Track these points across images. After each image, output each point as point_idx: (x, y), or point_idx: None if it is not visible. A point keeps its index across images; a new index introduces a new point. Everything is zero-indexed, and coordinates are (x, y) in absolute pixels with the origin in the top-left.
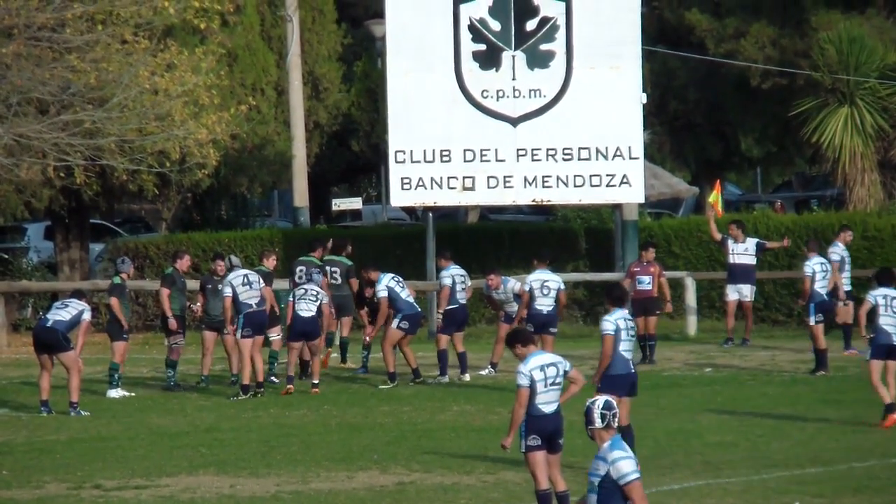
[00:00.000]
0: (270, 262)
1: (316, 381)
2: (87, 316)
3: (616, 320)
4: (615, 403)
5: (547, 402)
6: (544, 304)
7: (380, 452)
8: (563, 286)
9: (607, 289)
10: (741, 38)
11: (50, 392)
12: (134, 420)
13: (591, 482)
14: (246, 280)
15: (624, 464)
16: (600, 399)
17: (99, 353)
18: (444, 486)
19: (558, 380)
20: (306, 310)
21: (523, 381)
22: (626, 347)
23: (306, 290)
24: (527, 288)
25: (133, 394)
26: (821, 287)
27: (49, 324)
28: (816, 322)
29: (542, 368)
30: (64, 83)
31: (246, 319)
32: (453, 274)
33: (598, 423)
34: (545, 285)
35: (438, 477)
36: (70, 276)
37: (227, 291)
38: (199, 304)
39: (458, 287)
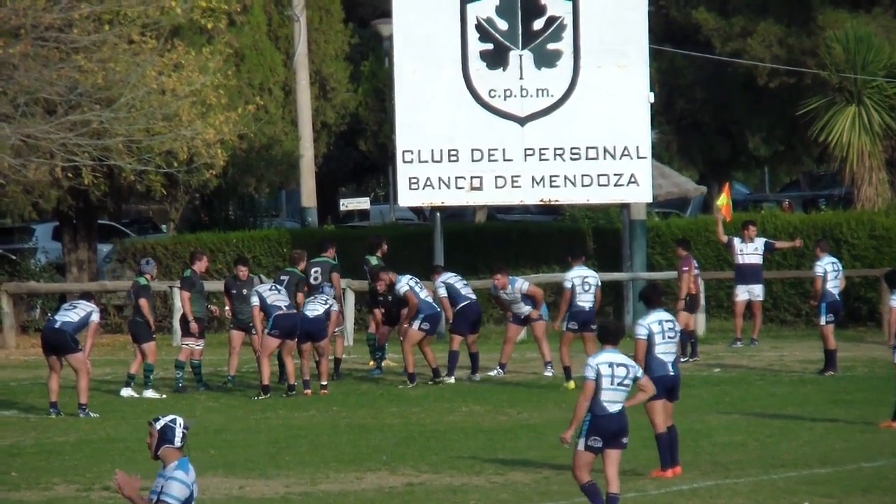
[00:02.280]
0: (302, 266)
1: (324, 383)
2: (95, 317)
3: (649, 324)
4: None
5: (612, 402)
6: (586, 301)
7: (389, 453)
8: (600, 283)
9: (641, 290)
10: (748, 36)
11: (59, 393)
12: (143, 421)
13: (151, 498)
14: (273, 287)
15: (175, 485)
16: (181, 418)
17: (107, 354)
18: (453, 487)
19: (626, 381)
20: (312, 310)
21: (589, 374)
22: (663, 350)
23: (315, 296)
24: (568, 285)
25: (165, 396)
26: (832, 287)
27: (57, 325)
28: (827, 322)
29: (610, 365)
30: (71, 83)
31: (275, 321)
32: (446, 281)
33: (177, 443)
34: (586, 281)
35: (447, 478)
36: (78, 277)
37: (255, 301)
38: (227, 308)
39: (460, 285)
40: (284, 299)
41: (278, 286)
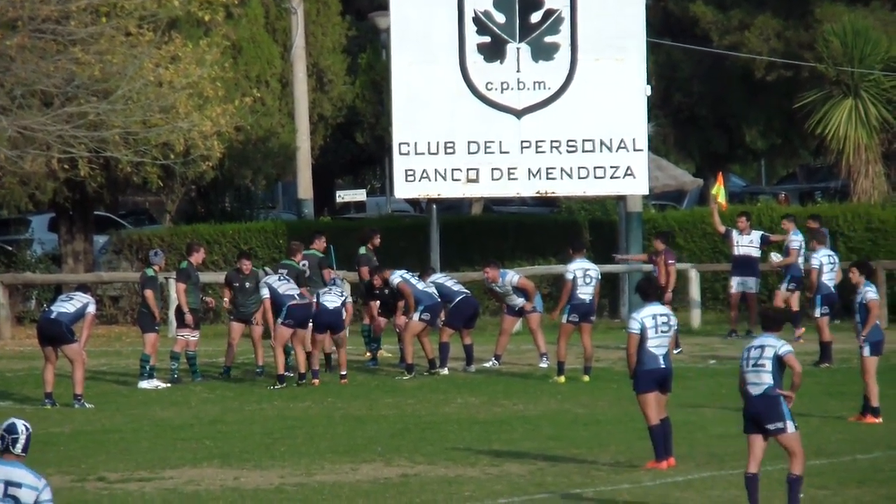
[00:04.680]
0: (299, 257)
1: (343, 373)
2: (91, 309)
3: (642, 318)
4: (21, 429)
5: (752, 384)
6: (586, 293)
7: (384, 445)
8: (600, 276)
9: (637, 283)
10: (745, 30)
11: (54, 384)
12: (138, 412)
13: None
14: (283, 278)
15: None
16: (8, 421)
17: (102, 345)
18: (448, 479)
19: (762, 361)
20: (331, 301)
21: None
22: (655, 343)
23: (331, 287)
24: (570, 277)
25: (168, 385)
26: (828, 279)
27: (53, 316)
28: (822, 314)
29: (748, 349)
30: (68, 75)
31: (289, 311)
32: (435, 281)
33: None
34: (587, 274)
35: (442, 469)
36: (74, 269)
37: (266, 293)
38: (226, 299)
39: (451, 283)
40: (295, 289)
41: (288, 277)
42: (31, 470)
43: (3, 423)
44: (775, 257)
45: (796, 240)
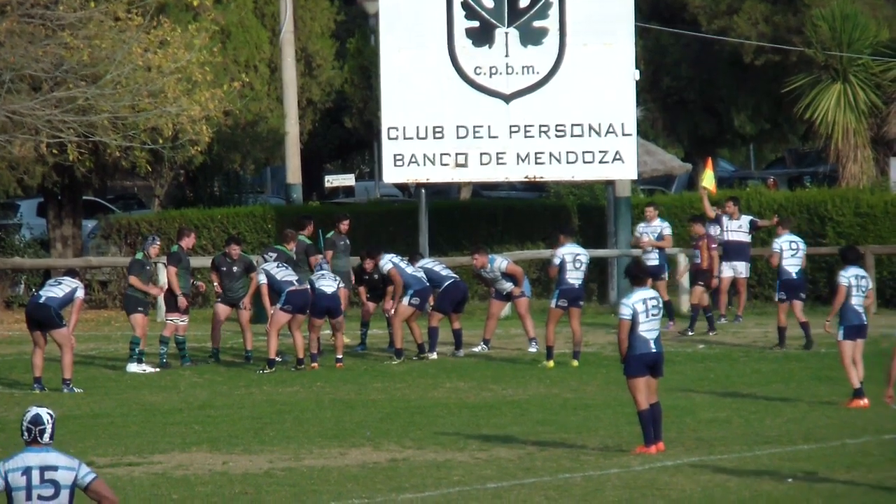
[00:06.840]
0: (292, 245)
1: (339, 356)
2: (80, 293)
3: (633, 304)
4: (46, 418)
5: None
6: (576, 278)
7: (373, 429)
8: (588, 260)
9: (626, 267)
10: (734, 14)
11: (43, 369)
12: (127, 397)
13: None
14: (280, 265)
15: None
16: (31, 412)
17: (91, 329)
18: (437, 463)
19: None
20: (328, 286)
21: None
22: (646, 328)
23: (324, 273)
24: (557, 262)
25: (157, 370)
26: (788, 265)
27: (42, 300)
28: (779, 300)
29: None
30: (57, 60)
31: (288, 296)
32: (424, 266)
33: (24, 436)
34: (577, 259)
35: (431, 454)
36: (63, 253)
37: (262, 279)
38: (216, 283)
39: (439, 268)
40: (293, 275)
41: (286, 263)
42: (63, 452)
43: (27, 414)
44: (644, 237)
45: (668, 225)
